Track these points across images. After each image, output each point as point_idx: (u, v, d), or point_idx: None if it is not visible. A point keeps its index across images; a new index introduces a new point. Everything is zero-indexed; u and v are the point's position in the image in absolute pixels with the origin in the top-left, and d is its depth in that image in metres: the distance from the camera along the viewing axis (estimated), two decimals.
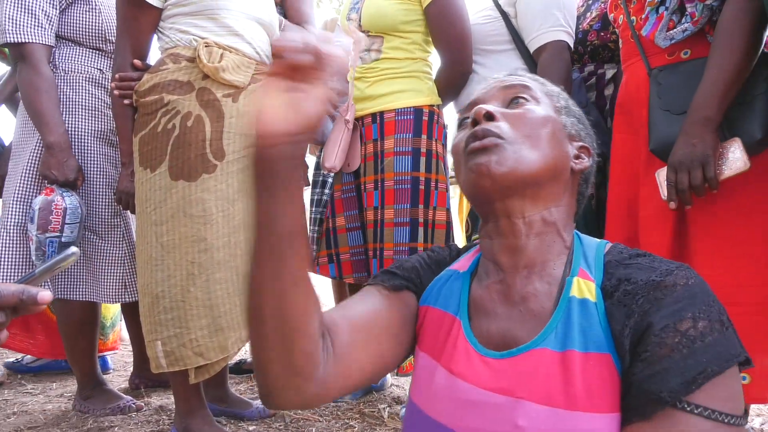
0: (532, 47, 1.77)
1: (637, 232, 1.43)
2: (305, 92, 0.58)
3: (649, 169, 1.40)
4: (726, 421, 0.59)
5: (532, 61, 1.78)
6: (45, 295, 0.56)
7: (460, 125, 0.83)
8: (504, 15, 1.83)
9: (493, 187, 0.72)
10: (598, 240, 0.78)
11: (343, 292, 2.58)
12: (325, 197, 2.27)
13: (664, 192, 1.27)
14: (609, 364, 0.64)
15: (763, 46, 1.26)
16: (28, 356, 2.64)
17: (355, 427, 1.82)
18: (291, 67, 0.58)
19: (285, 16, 2.04)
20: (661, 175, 1.29)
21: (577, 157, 0.80)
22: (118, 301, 1.98)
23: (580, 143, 0.81)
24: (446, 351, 0.77)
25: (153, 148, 1.59)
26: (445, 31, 1.86)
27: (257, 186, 0.61)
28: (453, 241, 1.88)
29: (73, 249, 0.60)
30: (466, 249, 0.92)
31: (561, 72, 1.67)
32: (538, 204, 0.75)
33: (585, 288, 0.69)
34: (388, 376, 2.20)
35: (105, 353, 2.59)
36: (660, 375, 0.59)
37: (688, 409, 0.58)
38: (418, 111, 1.87)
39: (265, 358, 0.67)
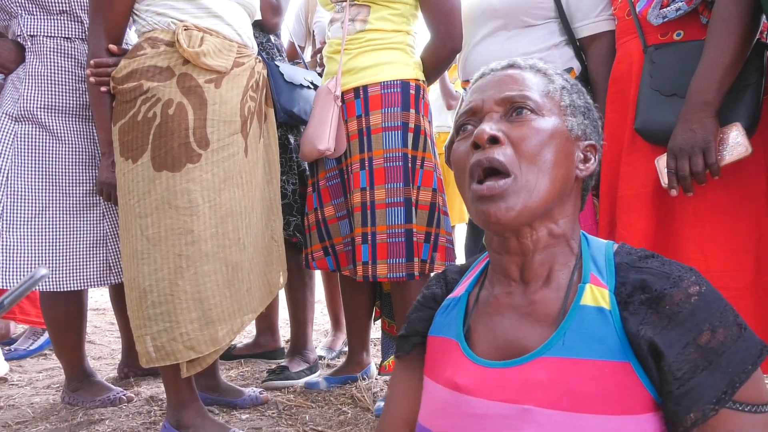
0: (582, 33, 1.63)
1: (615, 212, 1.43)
2: None
3: (632, 148, 1.40)
4: (764, 410, 0.62)
5: (573, 41, 1.66)
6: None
7: (460, 130, 0.80)
8: None
9: (504, 229, 0.72)
10: (605, 241, 0.78)
11: (333, 285, 2.55)
12: (293, 186, 2.14)
13: (664, 179, 1.26)
14: (628, 372, 0.64)
15: (758, 33, 1.24)
16: (16, 342, 2.62)
17: (348, 413, 1.82)
18: None
19: None
20: (661, 161, 1.27)
21: (584, 159, 0.78)
22: (104, 284, 1.92)
23: (587, 142, 0.79)
24: (447, 370, 0.77)
25: (134, 138, 1.53)
26: (436, 5, 1.79)
27: None
28: (437, 223, 1.84)
29: (43, 271, 0.58)
30: (468, 266, 0.91)
31: (610, 67, 1.53)
32: (546, 221, 0.74)
33: (599, 295, 0.69)
34: (373, 365, 2.20)
35: None
36: (695, 391, 0.61)
37: (732, 407, 0.61)
38: (405, 84, 1.80)
39: None
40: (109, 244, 1.88)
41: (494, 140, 0.72)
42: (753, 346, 0.63)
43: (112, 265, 1.89)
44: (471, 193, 0.73)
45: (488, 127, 0.72)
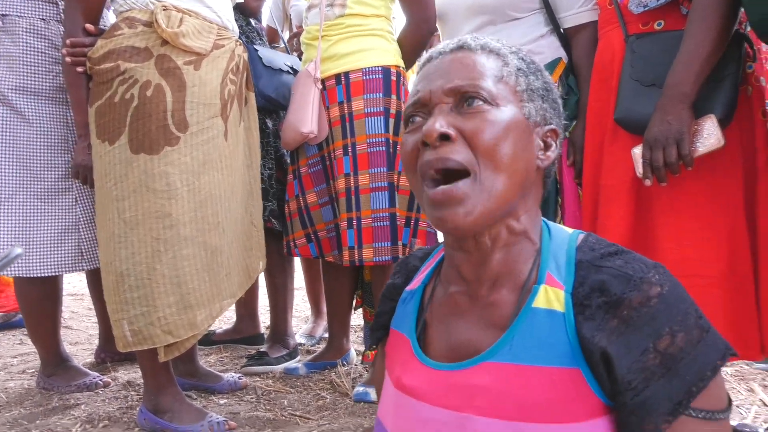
0: (566, 23, 1.62)
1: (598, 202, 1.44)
2: None
3: (614, 138, 1.41)
4: (718, 417, 0.60)
5: (559, 30, 1.65)
6: None
7: (408, 121, 0.73)
8: None
9: (464, 235, 0.68)
10: (570, 231, 0.73)
11: (314, 271, 2.55)
12: (270, 171, 2.13)
13: (639, 169, 1.28)
14: (577, 379, 0.61)
15: (736, 24, 1.25)
16: None
17: (326, 398, 1.83)
18: None
19: None
20: (637, 151, 1.29)
21: (545, 147, 0.72)
22: (76, 270, 1.89)
23: (547, 128, 0.72)
24: (397, 368, 0.75)
25: (110, 120, 1.50)
26: None
27: None
28: (418, 207, 1.84)
29: (18, 250, 0.57)
30: (429, 253, 0.87)
31: (593, 57, 1.52)
32: (506, 219, 0.69)
33: (553, 297, 0.65)
34: (353, 351, 2.21)
35: None
36: (650, 401, 0.58)
37: (686, 413, 0.58)
38: (386, 70, 1.81)
39: None
40: (81, 230, 1.86)
41: (445, 137, 0.65)
42: (714, 351, 0.59)
43: (84, 251, 1.86)
44: (425, 197, 0.67)
45: (438, 124, 0.65)
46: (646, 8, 1.33)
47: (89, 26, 1.56)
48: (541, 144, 0.72)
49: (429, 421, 0.67)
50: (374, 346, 0.89)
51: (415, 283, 0.82)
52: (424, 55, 0.77)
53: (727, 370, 1.95)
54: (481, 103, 0.66)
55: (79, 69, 1.55)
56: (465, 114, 0.67)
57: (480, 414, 0.63)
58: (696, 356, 0.58)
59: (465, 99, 0.67)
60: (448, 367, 0.69)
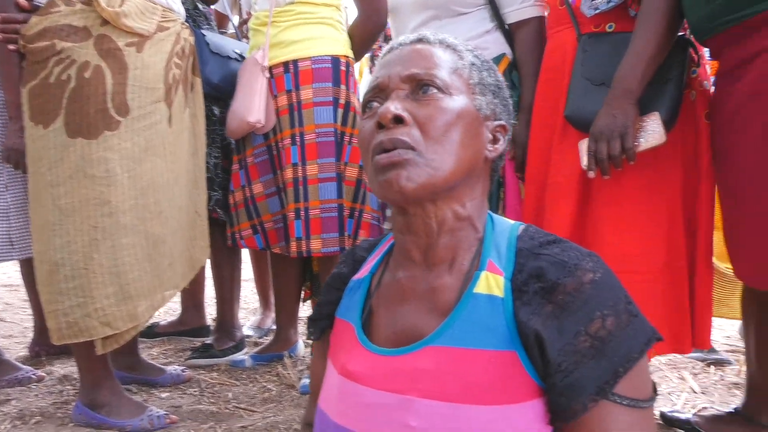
0: (509, 19, 1.64)
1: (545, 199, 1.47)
2: None
3: (563, 136, 1.43)
4: (642, 406, 0.62)
5: (503, 26, 1.67)
6: None
7: (366, 107, 0.75)
8: None
9: (404, 200, 0.69)
10: (512, 222, 0.76)
11: (263, 263, 2.51)
12: (216, 160, 2.06)
13: (584, 161, 1.31)
14: (514, 361, 0.63)
15: (681, 26, 1.30)
16: None
17: (272, 391, 1.81)
18: None
19: None
20: (583, 144, 1.32)
21: (493, 140, 0.76)
22: (5, 260, 1.81)
23: (496, 122, 0.76)
24: (342, 355, 0.76)
25: (45, 101, 1.43)
26: None
27: None
28: (363, 199, 1.84)
29: None
30: (376, 244, 0.88)
31: (541, 53, 1.55)
32: (451, 202, 0.71)
33: (493, 283, 0.68)
34: (301, 343, 2.19)
35: None
36: (578, 382, 0.60)
37: (611, 399, 0.60)
38: (335, 60, 1.80)
39: None
40: (12, 218, 1.77)
41: (399, 120, 0.68)
42: (642, 335, 0.62)
43: (15, 240, 1.77)
44: (373, 166, 0.70)
45: (393, 107, 0.68)
46: (597, 11, 1.36)
47: (22, 1, 1.48)
48: (490, 137, 0.75)
49: (372, 405, 0.68)
50: (316, 337, 0.89)
51: (363, 272, 0.83)
52: (386, 47, 0.80)
53: (660, 359, 2.04)
54: (435, 91, 0.70)
55: (11, 47, 1.46)
56: (420, 101, 0.70)
57: (422, 396, 0.65)
58: (624, 339, 0.61)
59: (420, 86, 0.71)
60: (391, 352, 0.70)
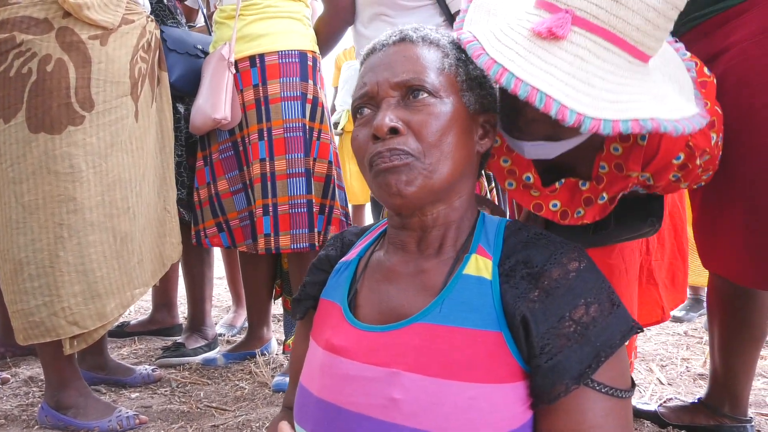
0: (455, 7, 1.61)
1: None
2: None
3: None
4: (620, 395, 0.64)
5: (452, 20, 1.64)
6: None
7: (357, 113, 0.77)
8: None
9: (404, 204, 0.71)
10: (500, 218, 0.79)
11: (234, 261, 2.47)
12: (179, 158, 2.00)
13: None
14: (499, 342, 0.65)
15: None
16: None
17: (245, 389, 1.79)
18: None
19: None
20: None
21: (483, 135, 0.78)
22: None
23: (485, 115, 0.78)
24: (327, 332, 0.77)
25: (5, 96, 1.40)
26: None
27: None
28: (332, 195, 1.83)
29: None
30: (366, 229, 0.90)
31: None
32: (446, 201, 0.74)
33: (482, 265, 0.70)
34: (274, 341, 2.18)
35: None
36: (561, 365, 0.62)
37: (590, 386, 0.63)
38: (303, 55, 1.78)
39: None
40: None
41: (394, 131, 0.70)
42: (624, 323, 0.65)
43: None
44: (373, 171, 0.72)
45: (387, 119, 0.70)
46: None
47: None
48: (481, 131, 0.78)
49: (357, 378, 0.69)
50: (300, 316, 0.90)
51: (352, 254, 0.85)
52: (367, 47, 0.80)
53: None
54: (425, 95, 0.72)
55: None
56: (411, 107, 0.72)
57: (407, 370, 0.66)
58: (606, 326, 0.64)
59: (411, 91, 0.72)
60: (378, 328, 0.72)
